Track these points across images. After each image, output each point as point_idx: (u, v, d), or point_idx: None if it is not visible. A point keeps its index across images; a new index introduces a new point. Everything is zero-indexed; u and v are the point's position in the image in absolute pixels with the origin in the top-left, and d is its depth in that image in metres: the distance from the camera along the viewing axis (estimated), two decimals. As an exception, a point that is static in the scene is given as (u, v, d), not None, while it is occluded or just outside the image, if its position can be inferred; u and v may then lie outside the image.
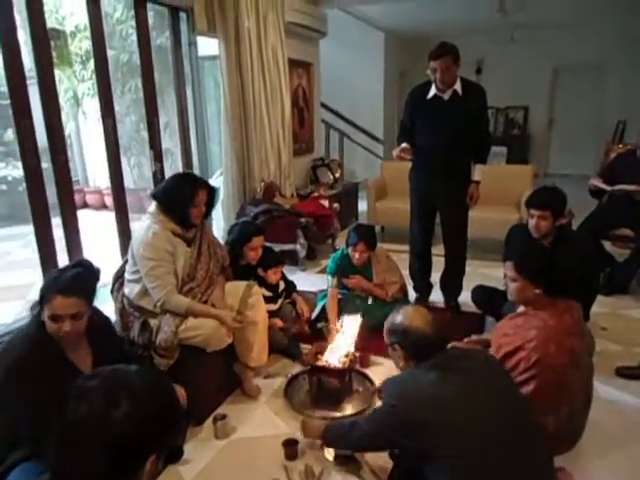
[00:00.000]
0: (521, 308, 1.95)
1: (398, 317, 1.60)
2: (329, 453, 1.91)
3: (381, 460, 1.85)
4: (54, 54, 2.85)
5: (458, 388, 1.40)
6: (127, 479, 0.89)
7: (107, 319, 1.92)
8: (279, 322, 2.70)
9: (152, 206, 2.19)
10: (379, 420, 1.52)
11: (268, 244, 3.11)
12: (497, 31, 7.72)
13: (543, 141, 8.68)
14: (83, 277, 1.63)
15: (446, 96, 2.83)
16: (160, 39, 4.89)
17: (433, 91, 2.85)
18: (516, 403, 1.47)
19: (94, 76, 3.13)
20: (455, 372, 1.45)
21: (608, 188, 3.48)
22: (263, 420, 2.19)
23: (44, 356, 1.55)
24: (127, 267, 2.21)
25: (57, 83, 2.81)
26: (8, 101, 2.52)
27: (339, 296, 2.95)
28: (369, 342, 2.65)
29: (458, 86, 2.80)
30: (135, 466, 0.89)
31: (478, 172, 2.98)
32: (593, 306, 2.77)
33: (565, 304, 1.84)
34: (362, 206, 5.60)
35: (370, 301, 2.95)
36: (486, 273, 3.69)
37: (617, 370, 2.47)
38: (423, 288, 3.33)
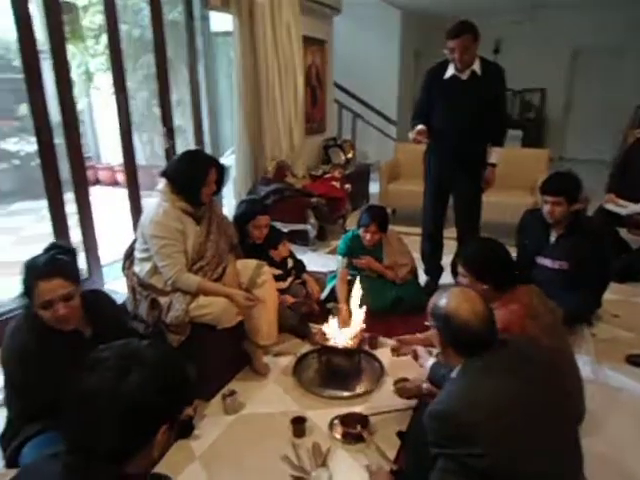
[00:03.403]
0: None
1: (442, 299, 1.39)
2: (337, 432, 1.93)
3: (389, 440, 1.88)
4: (66, 28, 2.81)
5: (513, 404, 1.20)
6: (139, 448, 0.91)
7: (106, 297, 1.88)
8: (290, 298, 2.72)
9: (161, 184, 2.18)
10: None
11: (279, 224, 3.11)
12: (516, 10, 7.51)
13: (559, 125, 8.50)
14: (57, 258, 1.58)
15: (464, 76, 2.76)
16: (172, 14, 4.81)
17: (451, 71, 2.78)
18: (567, 424, 1.31)
19: (107, 51, 3.11)
20: (509, 382, 1.23)
21: (623, 212, 3.45)
22: (272, 397, 2.21)
23: (51, 336, 1.54)
24: (137, 245, 2.22)
25: (69, 58, 2.79)
26: (21, 75, 2.51)
27: (349, 277, 2.95)
28: (378, 323, 2.66)
29: (477, 66, 2.73)
30: (146, 435, 0.91)
31: (495, 155, 2.93)
32: (606, 293, 2.74)
33: (511, 294, 1.82)
34: (373, 188, 5.55)
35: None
36: (497, 258, 3.64)
37: (627, 358, 2.45)
38: (434, 271, 3.31)
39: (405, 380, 2.07)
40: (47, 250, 1.62)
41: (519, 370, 1.28)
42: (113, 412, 0.87)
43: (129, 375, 0.88)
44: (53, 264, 1.54)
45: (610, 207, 3.53)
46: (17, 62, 2.58)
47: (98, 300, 1.77)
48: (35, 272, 1.51)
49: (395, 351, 2.14)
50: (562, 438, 1.25)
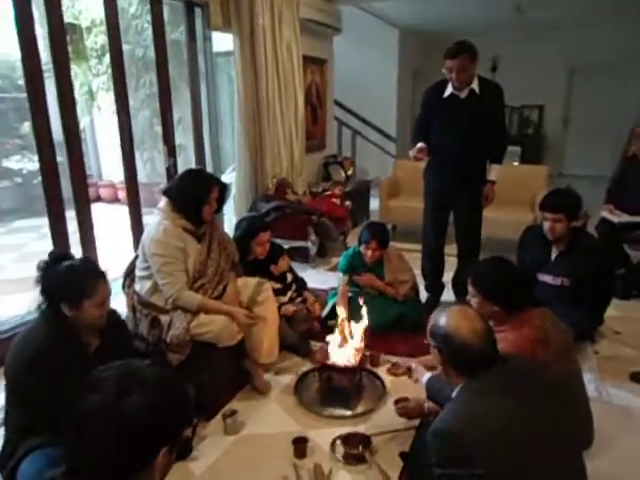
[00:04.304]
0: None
1: (442, 318, 1.38)
2: (338, 452, 1.91)
3: (392, 461, 1.85)
4: (70, 48, 2.86)
5: (511, 422, 1.20)
6: (139, 470, 0.90)
7: (118, 315, 1.93)
8: (290, 307, 2.71)
9: (162, 202, 2.20)
10: None
11: (279, 240, 3.12)
12: (514, 29, 7.62)
13: (558, 141, 8.56)
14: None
15: (463, 95, 2.79)
16: (175, 34, 4.89)
17: (449, 90, 2.81)
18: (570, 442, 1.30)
19: (109, 71, 3.16)
20: (504, 403, 1.23)
21: (615, 220, 3.46)
22: (273, 417, 2.19)
23: (65, 344, 1.59)
24: (137, 263, 2.22)
25: (72, 77, 2.83)
26: (25, 94, 2.54)
27: (349, 294, 2.94)
28: (379, 341, 2.65)
29: (475, 85, 2.77)
30: (147, 457, 0.90)
31: (494, 172, 2.95)
32: (608, 310, 2.73)
33: (525, 316, 1.77)
34: (374, 204, 5.57)
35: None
36: (498, 274, 3.63)
37: (632, 375, 2.43)
38: (435, 288, 3.30)
39: (405, 400, 2.05)
40: (65, 258, 1.75)
41: (515, 390, 1.27)
42: (113, 433, 0.85)
43: (130, 396, 0.87)
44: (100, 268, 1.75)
45: (605, 214, 3.55)
46: (21, 81, 2.62)
47: (111, 315, 1.80)
48: (97, 273, 1.68)
49: (391, 371, 2.13)
50: (563, 458, 1.24)
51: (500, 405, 1.22)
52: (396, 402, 2.07)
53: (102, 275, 1.68)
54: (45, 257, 1.70)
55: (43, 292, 1.64)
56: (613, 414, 2.14)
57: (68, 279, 1.60)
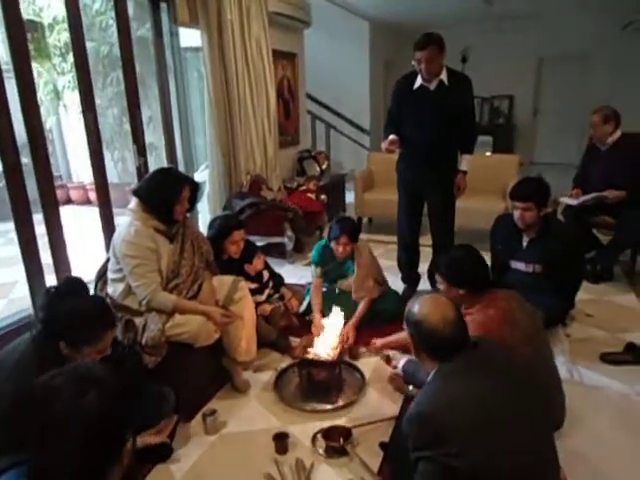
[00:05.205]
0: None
1: (415, 306, 1.44)
2: (319, 446, 1.92)
3: (373, 452, 1.87)
4: (31, 47, 2.77)
5: (483, 407, 1.23)
6: (112, 464, 0.92)
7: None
8: (267, 307, 2.71)
9: (133, 203, 2.16)
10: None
11: (255, 237, 3.09)
12: (483, 20, 7.71)
13: (528, 130, 8.72)
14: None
15: (432, 86, 2.81)
16: (141, 30, 4.79)
17: (419, 81, 2.83)
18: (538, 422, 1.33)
19: (74, 69, 3.07)
20: (477, 384, 1.27)
21: (574, 203, 3.52)
22: (253, 414, 2.18)
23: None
24: (109, 266, 2.18)
25: (36, 76, 2.74)
26: (-16, 96, 2.45)
27: (323, 289, 2.93)
28: (359, 334, 2.66)
29: (444, 76, 2.79)
30: (117, 448, 0.93)
31: (465, 162, 2.98)
32: (579, 293, 2.80)
33: (489, 297, 1.87)
34: (349, 198, 5.59)
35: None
36: (473, 263, 3.68)
37: (602, 356, 2.51)
38: (411, 279, 3.34)
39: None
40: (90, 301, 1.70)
41: (487, 373, 1.32)
42: (83, 432, 0.87)
43: (87, 394, 0.90)
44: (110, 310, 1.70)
45: (563, 199, 3.64)
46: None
47: None
48: (104, 321, 1.59)
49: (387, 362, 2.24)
50: (537, 436, 1.28)
51: (472, 388, 1.26)
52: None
53: (109, 324, 1.60)
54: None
55: (42, 323, 1.57)
56: (584, 394, 2.21)
57: (71, 322, 1.51)
